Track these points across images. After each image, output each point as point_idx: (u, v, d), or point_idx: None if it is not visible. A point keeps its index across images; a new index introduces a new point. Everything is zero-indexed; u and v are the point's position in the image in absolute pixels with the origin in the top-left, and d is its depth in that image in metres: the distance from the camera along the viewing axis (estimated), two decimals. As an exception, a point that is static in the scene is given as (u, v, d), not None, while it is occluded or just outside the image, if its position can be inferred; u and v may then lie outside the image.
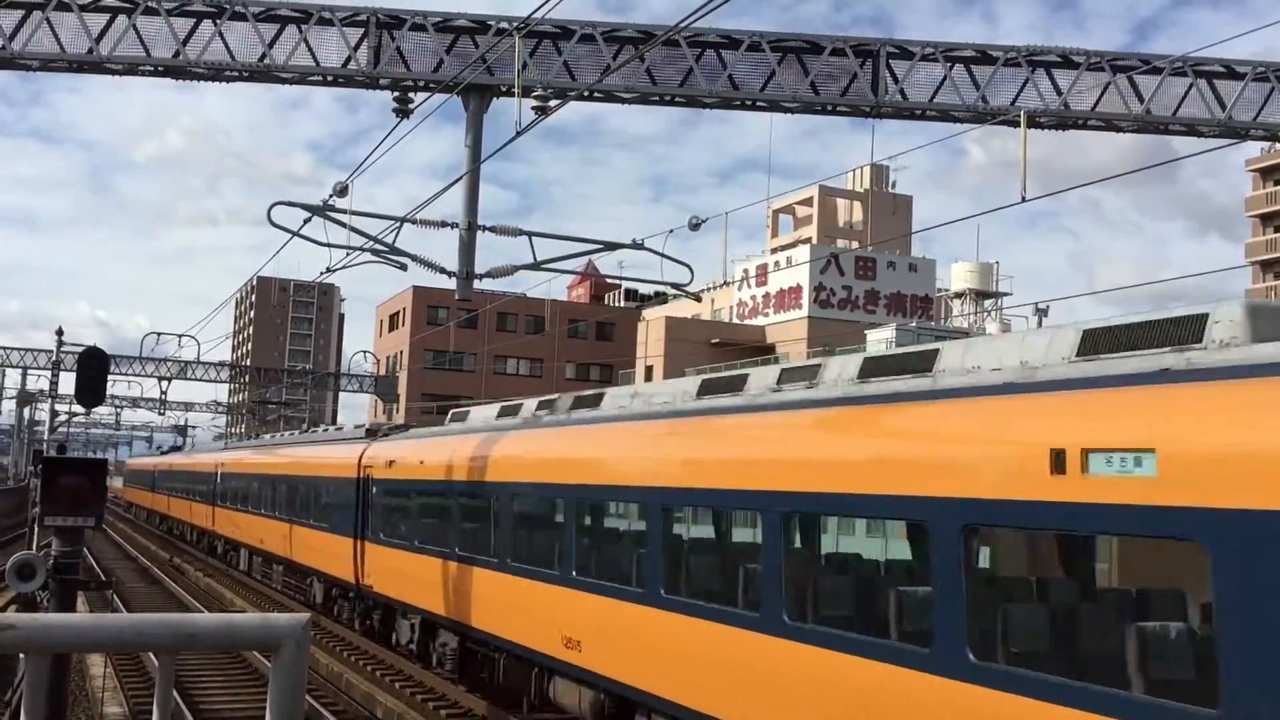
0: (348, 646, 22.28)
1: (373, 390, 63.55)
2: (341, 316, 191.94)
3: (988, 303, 68.23)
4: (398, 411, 64.12)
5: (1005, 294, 69.81)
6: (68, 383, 45.36)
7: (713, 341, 59.51)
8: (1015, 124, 18.92)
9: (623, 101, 20.09)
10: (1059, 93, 20.50)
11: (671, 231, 19.11)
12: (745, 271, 65.21)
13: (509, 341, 75.32)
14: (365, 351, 72.17)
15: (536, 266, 18.48)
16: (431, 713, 16.83)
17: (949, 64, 20.26)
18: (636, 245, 18.95)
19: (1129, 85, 20.54)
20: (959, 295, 69.02)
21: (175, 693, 16.23)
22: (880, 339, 45.89)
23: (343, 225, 17.47)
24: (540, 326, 76.52)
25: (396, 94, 18.45)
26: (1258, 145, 68.53)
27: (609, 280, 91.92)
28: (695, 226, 18.92)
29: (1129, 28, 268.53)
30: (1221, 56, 20.94)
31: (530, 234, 18.31)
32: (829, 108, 20.52)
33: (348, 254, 17.94)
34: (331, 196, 17.16)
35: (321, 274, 19.69)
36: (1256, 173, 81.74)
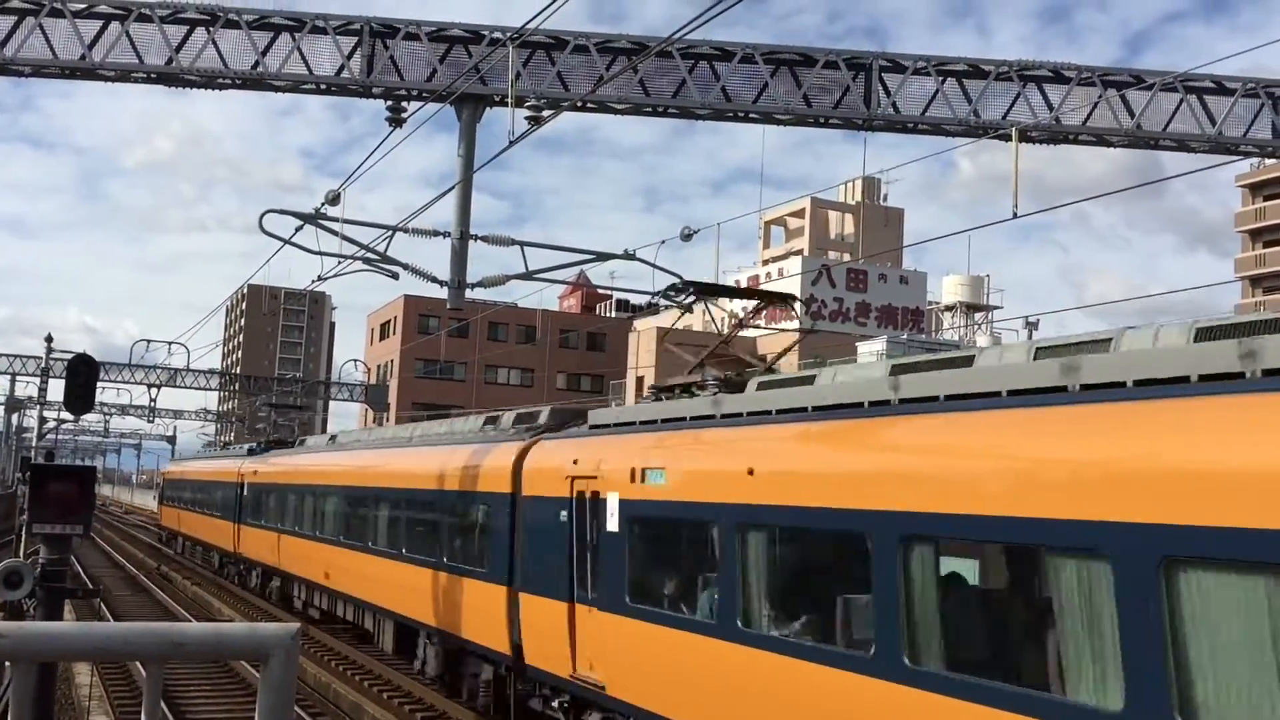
0: (335, 655, 22.18)
1: (363, 399, 63.43)
2: (332, 325, 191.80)
3: (978, 316, 68.42)
4: (389, 420, 63.97)
5: (996, 307, 70.09)
6: (56, 389, 45.24)
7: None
8: (1007, 138, 18.99)
9: (616, 112, 20.13)
10: (1050, 107, 20.58)
11: (664, 242, 19.13)
12: (737, 283, 65.32)
13: (500, 351, 75.26)
14: (356, 360, 72.05)
15: (528, 276, 18.49)
16: (419, 723, 16.76)
17: (941, 78, 20.33)
18: (628, 256, 18.99)
19: (1120, 100, 20.64)
20: (950, 308, 69.19)
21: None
22: (871, 351, 45.92)
23: (334, 234, 17.47)
24: (531, 336, 76.53)
25: (390, 103, 18.48)
26: (1247, 161, 68.88)
27: (601, 291, 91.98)
28: (687, 237, 18.97)
29: (1121, 41, 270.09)
30: (1212, 73, 21.06)
31: (522, 244, 18.33)
32: (821, 120, 20.58)
33: (339, 262, 17.95)
34: (323, 205, 17.17)
35: (313, 282, 19.68)
36: (1246, 188, 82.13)
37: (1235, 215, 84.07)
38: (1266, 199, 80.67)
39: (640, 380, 59.66)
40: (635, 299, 73.73)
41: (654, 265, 19.01)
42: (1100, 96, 20.50)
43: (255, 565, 32.07)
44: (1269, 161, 69.20)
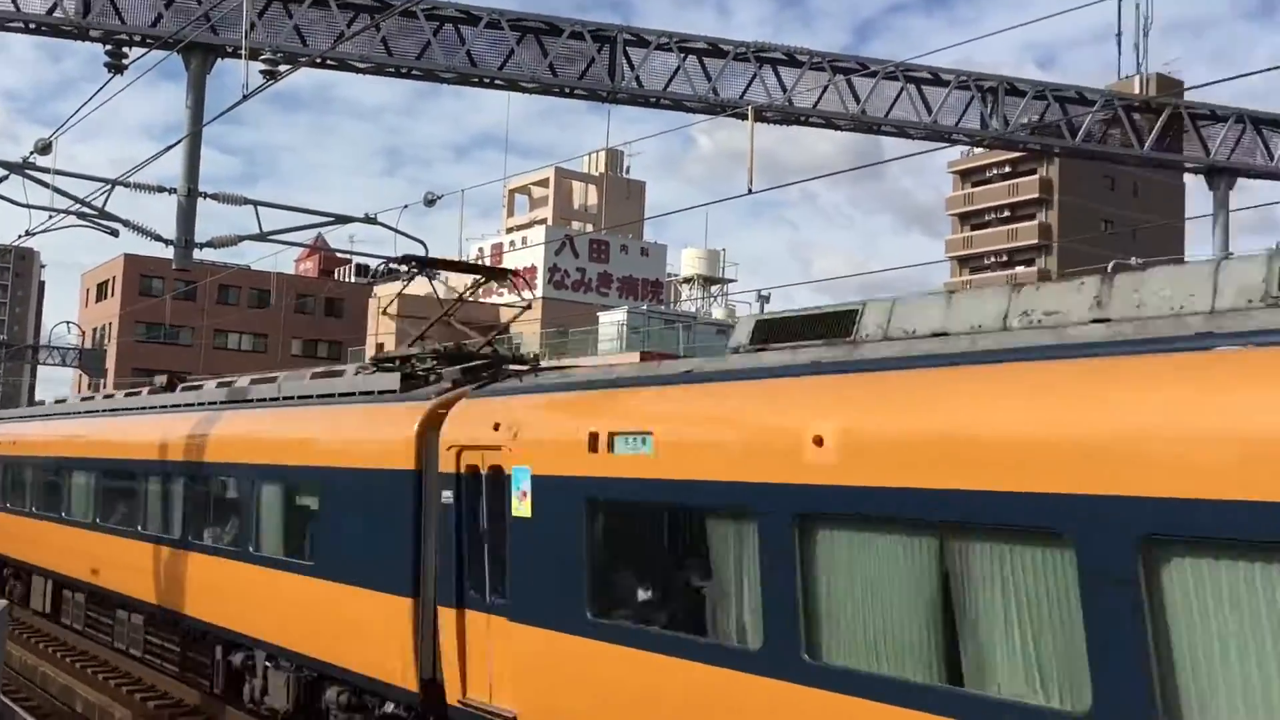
0: (44, 638, 20.82)
1: (77, 364, 59.34)
2: (42, 284, 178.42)
3: (714, 288, 70.80)
4: (106, 386, 60.10)
5: (731, 280, 72.73)
6: None
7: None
8: (743, 117, 19.71)
9: (357, 71, 19.58)
10: (784, 89, 21.50)
11: (406, 206, 18.80)
12: (480, 251, 64.95)
13: (231, 315, 72.03)
14: (69, 322, 67.25)
15: (262, 237, 17.78)
16: (138, 704, 15.97)
17: (683, 54, 20.86)
18: (369, 220, 18.56)
19: (847, 86, 21.79)
20: (688, 280, 71.31)
21: None
22: (612, 321, 46.75)
23: (45, 185, 16.25)
24: (265, 300, 73.58)
25: (109, 47, 17.29)
26: (959, 148, 74.12)
27: (340, 255, 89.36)
28: (430, 202, 18.71)
29: (851, 27, 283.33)
30: (930, 64, 22.54)
31: (256, 203, 17.60)
32: (567, 90, 20.73)
33: (50, 216, 16.70)
34: (32, 154, 15.92)
35: (20, 237, 18.23)
36: (957, 174, 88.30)
37: (946, 200, 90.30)
38: (975, 185, 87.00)
39: (380, 347, 58.49)
40: (375, 264, 72.06)
41: (395, 230, 18.68)
42: (829, 81, 21.57)
43: None
44: (977, 150, 74.72)
